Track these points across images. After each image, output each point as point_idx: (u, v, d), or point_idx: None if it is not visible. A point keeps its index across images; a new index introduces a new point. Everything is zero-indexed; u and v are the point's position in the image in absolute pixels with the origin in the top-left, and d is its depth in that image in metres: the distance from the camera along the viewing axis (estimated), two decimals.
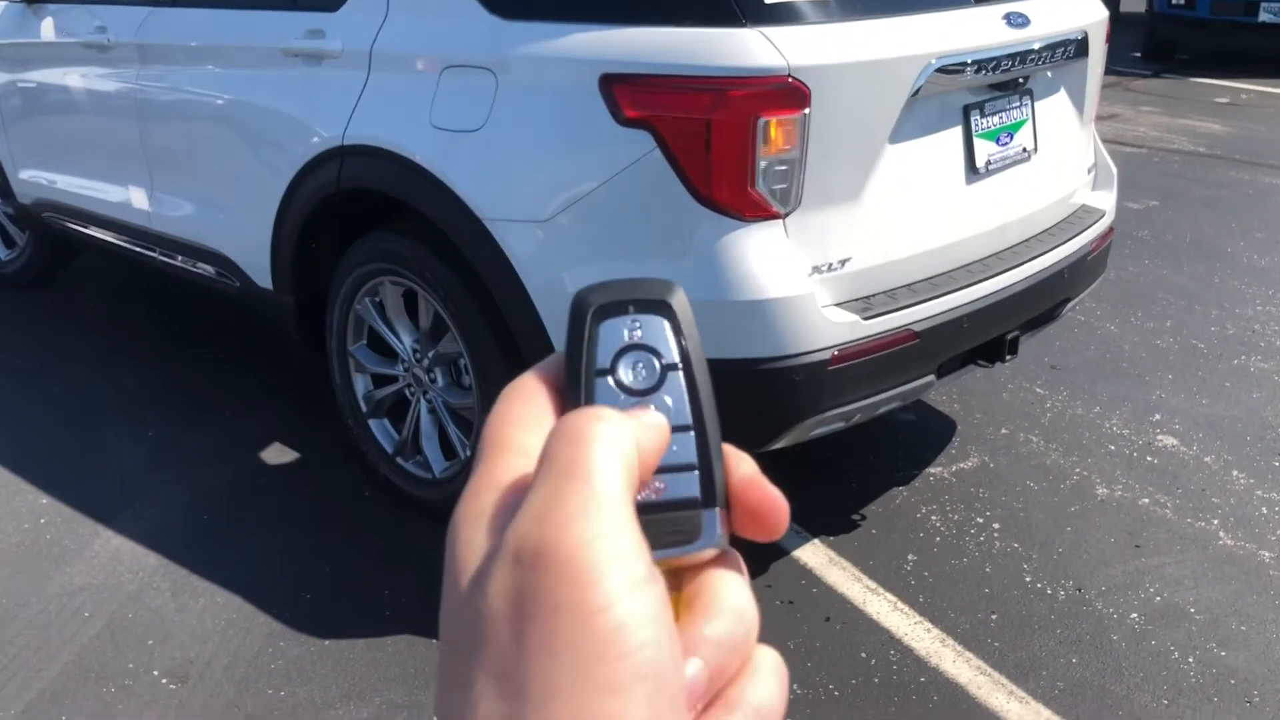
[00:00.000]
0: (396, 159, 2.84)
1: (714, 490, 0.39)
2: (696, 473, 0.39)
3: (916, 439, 3.63)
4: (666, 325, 0.40)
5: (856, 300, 2.60)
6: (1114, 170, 3.48)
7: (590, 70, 2.50)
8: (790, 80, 2.38)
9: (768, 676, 0.39)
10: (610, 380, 0.40)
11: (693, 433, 0.40)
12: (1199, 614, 2.77)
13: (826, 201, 2.53)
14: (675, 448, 0.39)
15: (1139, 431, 3.69)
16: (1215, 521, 3.17)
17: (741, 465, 0.41)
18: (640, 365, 0.40)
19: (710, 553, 0.39)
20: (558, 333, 2.62)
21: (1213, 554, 3.02)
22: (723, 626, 0.38)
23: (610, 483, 0.36)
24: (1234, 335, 4.48)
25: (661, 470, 0.39)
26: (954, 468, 3.45)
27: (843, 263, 2.58)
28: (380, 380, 3.29)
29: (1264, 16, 10.27)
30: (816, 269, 2.53)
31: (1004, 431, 3.68)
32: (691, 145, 2.40)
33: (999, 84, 2.86)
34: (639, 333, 0.40)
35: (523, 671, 0.34)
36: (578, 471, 0.36)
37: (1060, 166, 3.20)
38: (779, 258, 2.47)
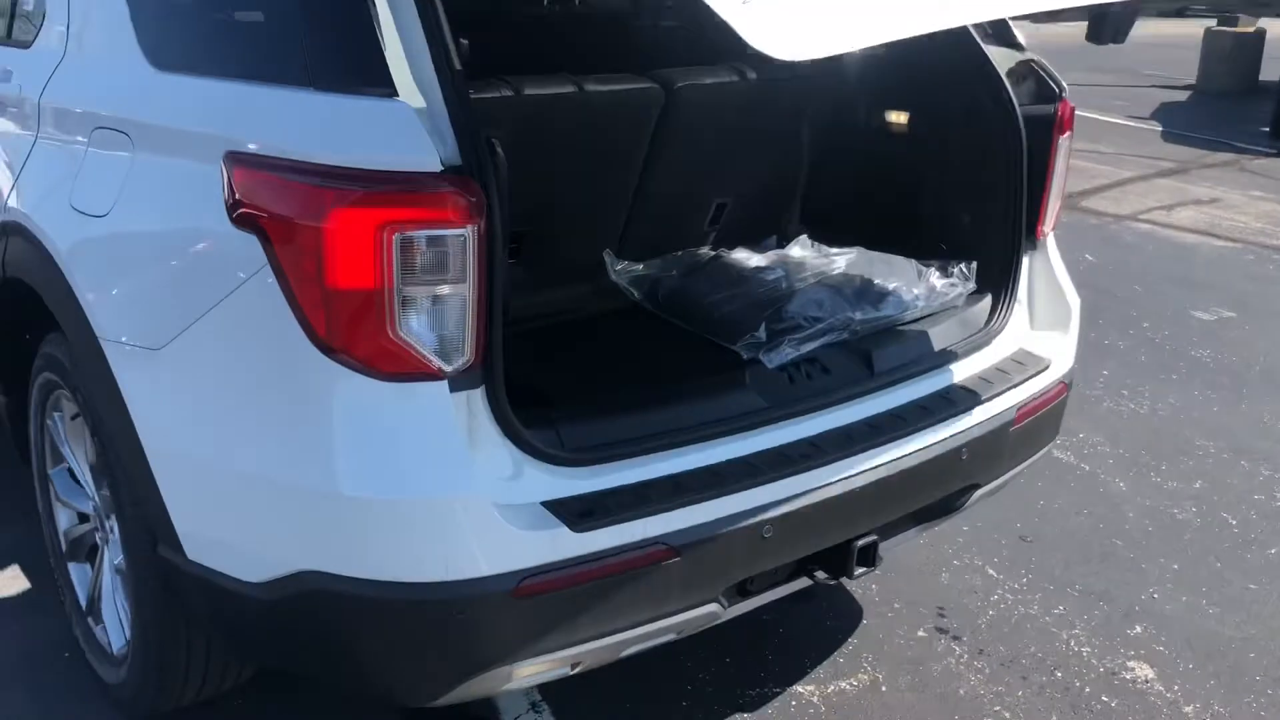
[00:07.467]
0: (37, 245, 2.15)
1: None
2: None
3: (803, 637, 2.73)
4: None
5: (577, 498, 1.77)
6: (1073, 305, 2.56)
7: (216, 144, 1.76)
8: (447, 179, 1.59)
9: None
10: None
11: None
12: None
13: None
14: None
15: (1106, 650, 2.73)
16: None
17: None
18: None
19: None
20: (179, 510, 1.87)
21: None
22: None
23: None
24: None
25: None
26: (830, 687, 2.56)
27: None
28: (85, 515, 2.58)
29: None
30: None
31: (921, 634, 2.76)
32: (302, 263, 1.62)
33: None
34: None
35: None
36: None
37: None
38: (435, 434, 1.66)
